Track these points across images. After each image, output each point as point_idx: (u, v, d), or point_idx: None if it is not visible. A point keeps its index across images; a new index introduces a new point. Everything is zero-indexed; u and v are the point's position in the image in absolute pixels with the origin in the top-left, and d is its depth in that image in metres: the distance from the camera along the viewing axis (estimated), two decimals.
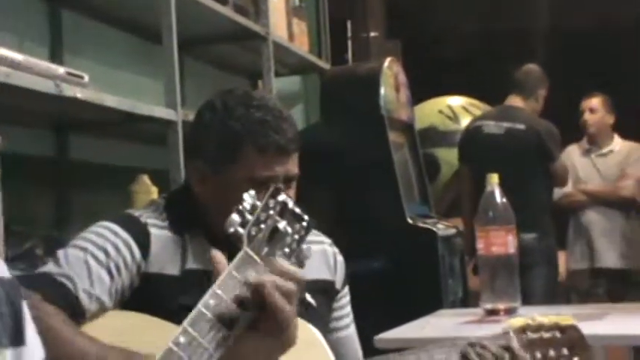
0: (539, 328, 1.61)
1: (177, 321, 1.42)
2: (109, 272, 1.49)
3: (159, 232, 1.56)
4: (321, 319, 1.60)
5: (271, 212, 1.24)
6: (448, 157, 5.10)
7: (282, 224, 1.23)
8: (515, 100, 4.36)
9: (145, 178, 2.81)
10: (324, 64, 4.47)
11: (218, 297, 1.21)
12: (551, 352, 1.60)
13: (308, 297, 1.59)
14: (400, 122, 3.84)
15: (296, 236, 1.25)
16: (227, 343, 1.19)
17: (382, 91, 3.61)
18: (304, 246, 1.27)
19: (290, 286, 1.23)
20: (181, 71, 3.14)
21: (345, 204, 3.58)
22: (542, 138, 4.19)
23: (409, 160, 3.90)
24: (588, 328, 1.86)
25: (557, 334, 1.61)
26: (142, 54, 3.23)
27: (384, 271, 3.42)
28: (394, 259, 3.43)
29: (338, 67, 4.54)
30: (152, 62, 3.13)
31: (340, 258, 1.76)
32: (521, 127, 4.23)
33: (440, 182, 5.23)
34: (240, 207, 1.23)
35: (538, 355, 1.58)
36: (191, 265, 1.55)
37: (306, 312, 1.52)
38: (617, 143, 4.90)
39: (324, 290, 1.70)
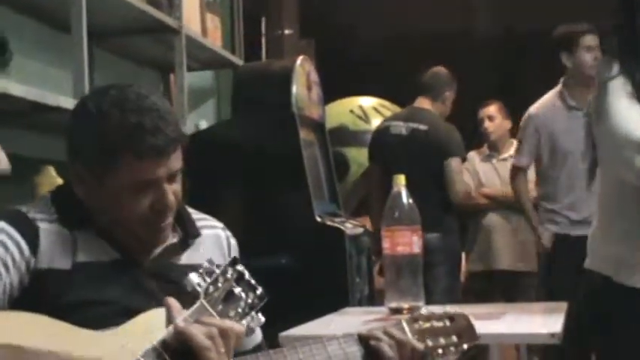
0: (429, 317, 1.66)
1: (70, 317, 1.41)
2: None
3: (48, 227, 1.53)
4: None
5: (228, 277, 1.38)
6: (358, 156, 5.17)
7: (237, 290, 1.38)
8: (422, 102, 4.46)
9: (50, 170, 2.76)
10: (238, 60, 4.46)
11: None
12: (442, 340, 1.65)
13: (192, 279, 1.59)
14: (311, 120, 3.86)
15: (249, 301, 1.39)
16: None
17: (294, 89, 3.63)
18: (254, 314, 1.41)
19: (214, 331, 1.34)
20: (91, 62, 3.09)
21: (255, 201, 3.58)
22: (442, 139, 4.29)
23: (319, 158, 3.93)
24: (486, 327, 1.93)
25: (447, 323, 1.67)
26: (51, 43, 3.16)
27: (292, 268, 3.43)
28: (302, 257, 3.45)
29: (251, 63, 4.54)
30: (61, 52, 3.07)
31: (233, 241, 1.76)
32: (424, 128, 4.33)
33: (349, 181, 5.28)
34: (200, 270, 1.38)
35: (430, 342, 1.64)
36: (82, 258, 1.53)
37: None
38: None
39: None
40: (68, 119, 1.61)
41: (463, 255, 4.82)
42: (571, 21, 4.17)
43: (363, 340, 1.58)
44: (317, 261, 3.45)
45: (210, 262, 1.42)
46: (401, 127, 4.40)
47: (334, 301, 3.25)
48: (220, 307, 1.37)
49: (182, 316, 1.35)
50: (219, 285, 1.37)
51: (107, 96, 1.53)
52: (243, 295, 1.38)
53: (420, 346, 1.61)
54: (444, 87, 4.48)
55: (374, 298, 3.77)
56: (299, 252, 3.45)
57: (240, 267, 1.39)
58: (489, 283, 4.93)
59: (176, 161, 1.55)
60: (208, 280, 1.37)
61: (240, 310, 1.38)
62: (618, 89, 2.05)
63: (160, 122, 1.51)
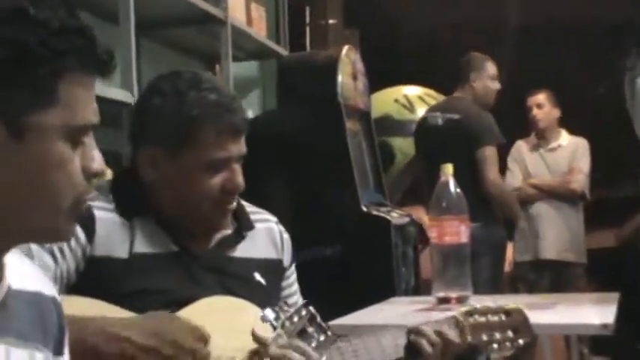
0: (485, 312, 1.64)
1: (124, 305, 1.43)
2: (53, 256, 1.48)
3: (105, 215, 1.55)
4: (271, 298, 1.62)
5: (302, 315, 1.45)
6: (403, 145, 5.14)
7: (310, 329, 1.45)
8: (458, 91, 4.43)
9: None
10: (282, 50, 4.46)
11: None
12: (497, 335, 1.63)
13: (257, 276, 1.62)
14: (356, 110, 3.85)
15: (321, 340, 1.45)
16: None
17: (339, 78, 3.62)
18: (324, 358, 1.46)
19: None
20: (138, 53, 3.11)
21: (300, 191, 3.58)
22: (473, 127, 4.22)
23: (365, 148, 3.91)
24: (537, 317, 1.91)
25: (503, 317, 1.65)
26: (99, 34, 3.19)
27: (338, 258, 3.43)
28: (348, 247, 3.44)
29: (296, 53, 4.54)
30: (109, 42, 3.09)
31: (286, 236, 1.77)
32: (457, 117, 4.29)
33: (394, 171, 5.26)
34: (276, 307, 1.46)
35: (484, 337, 1.62)
36: (139, 248, 1.55)
37: (256, 292, 1.54)
38: (565, 138, 4.98)
39: (273, 269, 1.72)
40: (138, 103, 1.67)
41: (510, 245, 4.78)
42: (613, 9, 4.09)
43: (408, 332, 1.58)
44: (363, 251, 3.45)
45: (284, 303, 1.52)
46: (437, 118, 4.38)
47: (380, 291, 3.25)
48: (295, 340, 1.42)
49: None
50: (295, 321, 1.43)
51: (181, 77, 1.58)
52: (315, 334, 1.44)
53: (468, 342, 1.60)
54: (468, 71, 4.42)
55: (420, 289, 3.76)
56: (345, 242, 3.45)
57: (312, 309, 1.45)
58: (537, 273, 4.89)
59: (244, 145, 1.59)
60: (283, 316, 1.43)
61: (313, 346, 1.43)
62: None
63: (233, 103, 1.57)
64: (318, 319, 1.44)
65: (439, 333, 1.57)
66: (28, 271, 1.03)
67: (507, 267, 4.75)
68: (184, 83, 1.57)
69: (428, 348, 1.55)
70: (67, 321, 1.31)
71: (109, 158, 2.76)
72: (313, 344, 1.42)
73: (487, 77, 4.42)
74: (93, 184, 0.98)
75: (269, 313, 1.43)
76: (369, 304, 2.49)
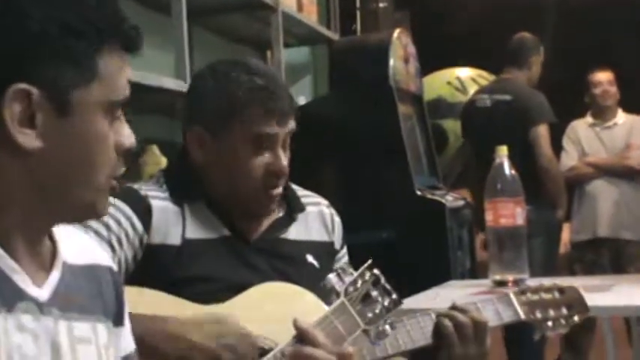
0: (538, 289, 1.63)
1: (179, 292, 1.46)
2: (111, 246, 1.51)
3: (160, 204, 1.58)
4: (323, 280, 1.63)
5: (366, 279, 1.42)
6: (456, 128, 5.10)
7: (374, 293, 1.42)
8: (509, 72, 4.38)
9: (154, 149, 2.83)
10: (333, 35, 4.46)
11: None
12: (551, 312, 1.62)
13: (310, 258, 1.63)
14: (409, 93, 3.83)
15: (385, 304, 1.42)
16: None
17: (391, 62, 3.60)
18: (387, 325, 1.43)
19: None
20: (190, 42, 3.13)
21: (354, 175, 3.58)
22: (526, 107, 4.17)
23: (418, 131, 3.90)
24: (594, 300, 1.89)
25: (557, 295, 1.64)
26: (151, 25, 3.22)
27: (393, 242, 3.42)
28: (403, 231, 3.43)
29: (347, 37, 4.53)
30: (161, 33, 3.13)
31: (337, 219, 1.78)
32: (508, 98, 4.24)
33: (448, 153, 5.23)
34: (338, 270, 1.44)
35: (538, 315, 1.61)
36: (190, 234, 1.57)
37: (309, 274, 1.55)
38: (621, 117, 4.91)
39: (325, 251, 1.73)
40: (190, 86, 1.70)
41: (566, 227, 4.72)
42: None
43: (437, 315, 1.57)
44: (418, 234, 3.44)
45: (346, 263, 1.50)
46: (486, 100, 4.34)
47: (436, 274, 3.24)
48: (359, 307, 1.40)
49: (325, 312, 1.40)
50: (358, 286, 1.41)
51: (233, 63, 1.63)
52: (379, 298, 1.41)
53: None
54: (528, 53, 4.37)
55: (476, 272, 3.74)
56: (400, 226, 3.44)
57: (376, 271, 1.42)
58: (595, 252, 4.82)
59: (290, 129, 1.61)
60: (346, 280, 1.41)
61: (377, 311, 1.41)
62: None
63: (281, 89, 1.60)
64: (382, 280, 1.42)
65: (469, 315, 1.55)
66: (84, 244, 1.05)
67: (563, 248, 4.70)
68: (234, 68, 1.61)
69: (451, 330, 1.53)
70: (132, 318, 1.35)
71: (164, 147, 2.81)
72: (377, 310, 1.41)
73: (541, 61, 4.41)
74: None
75: (332, 277, 1.41)
76: (425, 288, 2.48)
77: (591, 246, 4.81)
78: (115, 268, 1.08)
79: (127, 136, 0.97)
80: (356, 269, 1.81)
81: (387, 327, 1.43)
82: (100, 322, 1.01)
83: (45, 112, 0.90)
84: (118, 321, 1.06)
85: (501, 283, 2.32)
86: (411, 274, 3.24)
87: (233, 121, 1.57)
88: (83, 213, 0.98)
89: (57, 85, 0.90)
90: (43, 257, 0.97)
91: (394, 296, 1.42)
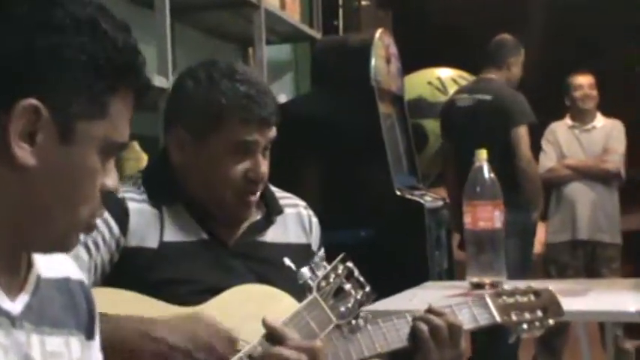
0: (513, 292, 1.65)
1: (157, 294, 1.46)
2: (87, 249, 1.51)
3: (137, 206, 1.58)
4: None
5: (339, 273, 1.40)
6: (436, 128, 5.12)
7: (347, 286, 1.40)
8: (488, 72, 4.41)
9: (135, 145, 2.82)
10: (315, 33, 4.47)
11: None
12: (527, 315, 1.64)
13: (287, 260, 1.64)
14: (390, 93, 3.85)
15: (358, 298, 1.41)
16: None
17: (373, 62, 3.62)
18: (361, 317, 1.42)
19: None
20: (173, 38, 3.13)
21: (334, 175, 3.59)
22: (506, 108, 4.20)
23: (398, 131, 3.92)
24: (570, 304, 1.91)
25: (532, 298, 1.66)
26: (134, 19, 3.21)
27: (372, 241, 3.44)
28: (382, 230, 3.45)
29: (329, 37, 4.54)
30: (144, 28, 3.12)
31: (315, 220, 1.79)
32: (488, 98, 4.26)
33: (428, 153, 5.25)
34: (312, 264, 1.41)
35: (514, 317, 1.63)
36: (169, 237, 1.58)
37: (286, 277, 1.56)
38: (600, 120, 4.95)
39: (302, 253, 1.73)
40: (172, 86, 1.71)
41: (542, 226, 4.76)
42: None
43: (413, 319, 1.58)
44: (396, 234, 3.46)
45: (320, 257, 1.46)
46: (466, 99, 4.37)
47: (414, 274, 3.26)
48: (332, 301, 1.40)
49: (298, 308, 1.40)
50: (331, 280, 1.40)
51: (217, 66, 1.62)
52: (352, 291, 1.41)
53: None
54: (507, 54, 4.40)
55: (453, 272, 3.76)
56: (379, 225, 3.46)
57: (350, 264, 1.42)
58: (570, 254, 4.87)
59: (271, 136, 1.61)
60: (319, 274, 1.40)
61: (350, 305, 1.41)
62: None
63: (264, 96, 1.60)
64: (356, 273, 1.42)
65: (444, 318, 1.57)
66: (55, 258, 1.05)
67: (539, 248, 4.74)
68: (218, 72, 1.61)
69: (426, 333, 1.54)
70: (101, 319, 1.35)
71: (147, 143, 2.80)
72: (350, 303, 1.41)
73: (521, 62, 4.43)
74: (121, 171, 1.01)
75: (305, 272, 1.41)
76: (403, 287, 2.50)
77: (568, 248, 4.85)
78: (87, 281, 1.08)
79: (112, 178, 0.99)
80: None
81: (361, 321, 1.42)
82: (72, 336, 1.01)
83: (48, 134, 0.91)
84: (90, 334, 1.06)
85: (478, 286, 2.34)
86: (389, 273, 3.26)
87: (215, 127, 1.58)
88: (52, 244, 0.98)
89: (67, 112, 0.92)
90: (18, 270, 0.97)
91: (367, 289, 1.42)
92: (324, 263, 1.44)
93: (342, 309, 1.40)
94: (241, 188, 1.60)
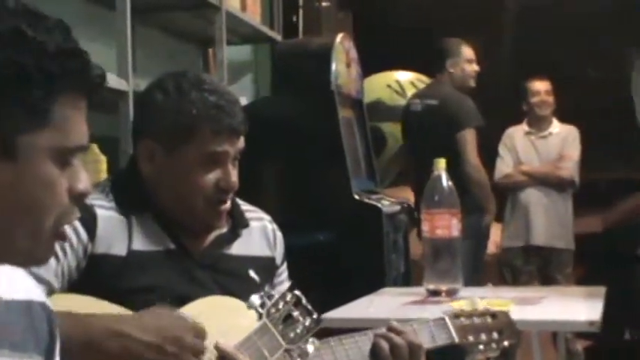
0: (471, 314, 1.69)
1: (123, 302, 1.47)
2: (55, 255, 1.50)
3: (105, 213, 1.58)
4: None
5: (287, 300, 1.45)
6: (394, 131, 5.17)
7: (295, 313, 1.45)
8: (436, 76, 4.48)
9: (94, 148, 2.80)
10: (276, 35, 4.47)
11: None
12: (483, 336, 1.68)
13: (251, 273, 1.66)
14: (350, 98, 3.87)
15: (306, 324, 1.45)
16: None
17: (333, 66, 3.63)
18: (310, 344, 1.48)
19: None
20: (133, 38, 3.12)
21: (293, 178, 3.61)
22: (452, 112, 4.24)
23: (357, 135, 3.94)
24: (524, 313, 1.95)
25: (489, 320, 1.70)
26: (94, 19, 3.19)
27: (330, 245, 3.46)
28: (340, 234, 3.47)
29: (290, 40, 4.55)
30: (104, 28, 3.10)
31: (279, 234, 1.82)
32: (435, 102, 4.32)
33: (386, 156, 5.29)
34: (262, 293, 1.46)
35: (471, 339, 1.67)
36: (137, 246, 1.58)
37: (250, 289, 1.58)
38: (556, 126, 5.02)
39: (266, 266, 1.76)
40: (141, 97, 1.71)
41: (497, 227, 4.83)
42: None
43: (374, 336, 1.61)
44: (354, 238, 3.48)
45: (269, 287, 1.51)
46: (417, 104, 4.43)
47: (371, 278, 3.30)
48: (281, 327, 1.44)
49: (249, 333, 1.43)
50: (280, 307, 1.44)
51: (185, 77, 1.63)
52: (301, 318, 1.45)
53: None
54: (444, 57, 4.44)
55: (410, 275, 3.80)
56: (337, 229, 3.48)
57: (297, 292, 1.46)
58: (524, 259, 4.94)
59: (240, 146, 1.63)
60: (269, 302, 1.44)
61: (298, 331, 1.45)
62: None
63: (233, 106, 1.61)
64: (304, 301, 1.46)
65: (405, 336, 1.59)
66: (18, 280, 1.03)
67: (494, 249, 4.81)
68: (187, 83, 1.62)
69: (387, 351, 1.57)
70: (71, 319, 1.34)
71: (106, 145, 2.78)
72: (299, 329, 1.44)
73: (464, 61, 4.44)
74: (80, 202, 0.99)
75: (255, 299, 1.45)
76: (360, 290, 2.52)
77: (522, 253, 4.93)
78: (49, 303, 1.07)
79: (82, 181, 0.96)
80: (296, 271, 1.85)
81: (309, 346, 1.48)
82: (31, 359, 1.00)
83: None
84: (49, 356, 1.05)
85: (435, 293, 2.37)
86: (348, 276, 3.30)
87: (186, 138, 1.59)
88: (21, 259, 0.96)
89: (4, 129, 0.89)
90: None
91: (315, 316, 1.47)
92: (273, 291, 1.50)
93: (292, 334, 1.44)
94: (212, 198, 1.61)
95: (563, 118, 5.06)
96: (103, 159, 2.76)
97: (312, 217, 3.49)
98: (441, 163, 2.39)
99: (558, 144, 4.96)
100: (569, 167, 4.87)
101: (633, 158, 5.22)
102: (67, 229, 1.50)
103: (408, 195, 4.42)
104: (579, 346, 4.84)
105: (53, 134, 0.91)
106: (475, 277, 4.14)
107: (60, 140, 0.92)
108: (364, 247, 3.46)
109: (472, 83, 4.45)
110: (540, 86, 4.98)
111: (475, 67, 4.45)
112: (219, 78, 3.69)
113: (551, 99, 4.98)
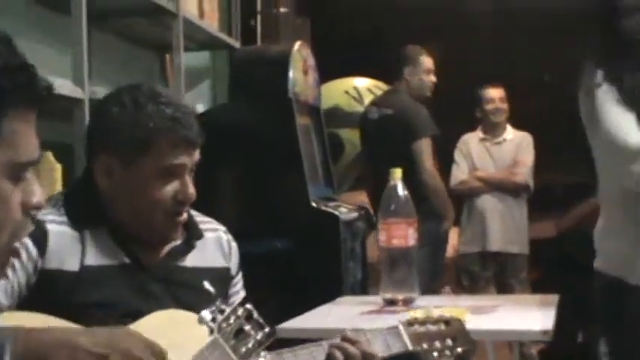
0: (425, 321, 1.71)
1: (77, 318, 1.45)
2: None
3: (57, 228, 1.57)
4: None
5: (239, 315, 1.43)
6: (352, 137, 5.19)
7: (247, 327, 1.43)
8: (393, 84, 4.52)
9: (49, 155, 2.77)
10: (234, 42, 4.47)
11: None
12: (437, 344, 1.70)
13: (206, 284, 1.66)
14: (307, 105, 3.88)
15: (258, 338, 1.44)
16: None
17: (291, 74, 3.64)
18: (262, 358, 1.47)
19: None
20: (89, 44, 3.09)
21: (250, 185, 3.60)
22: (407, 121, 4.28)
23: (315, 142, 3.95)
24: (479, 323, 1.97)
25: (442, 327, 1.72)
26: (49, 25, 3.16)
27: (287, 253, 3.46)
28: (297, 242, 3.47)
29: (248, 47, 4.54)
30: (59, 34, 3.07)
31: (234, 244, 1.82)
32: (390, 112, 4.36)
33: (344, 162, 5.31)
34: (213, 307, 1.43)
35: (425, 346, 1.68)
36: (90, 261, 1.58)
37: (205, 301, 1.58)
38: (510, 132, 5.09)
39: (221, 277, 1.76)
40: (96, 112, 1.70)
41: (455, 231, 4.87)
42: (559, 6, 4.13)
43: (329, 346, 1.61)
44: (312, 246, 3.48)
45: (221, 301, 1.48)
46: (374, 112, 4.47)
47: (328, 285, 3.30)
48: (233, 342, 1.43)
49: (200, 348, 1.41)
50: (231, 322, 1.43)
51: (140, 90, 1.63)
52: (252, 332, 1.44)
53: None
54: (401, 65, 4.47)
55: (367, 281, 3.81)
56: (294, 237, 3.48)
57: (249, 306, 1.45)
58: (481, 265, 4.99)
59: (196, 157, 1.64)
60: (220, 317, 1.43)
61: (250, 346, 1.44)
62: (606, 97, 2.05)
63: (189, 118, 1.62)
64: (255, 315, 1.46)
65: (359, 346, 1.60)
66: None
67: (451, 252, 4.86)
68: (143, 96, 1.62)
69: (340, 358, 1.58)
70: (24, 332, 1.33)
71: (61, 152, 2.76)
72: (250, 344, 1.44)
73: (422, 71, 4.48)
74: (34, 214, 0.98)
75: (206, 314, 1.44)
76: (317, 297, 2.52)
77: (479, 258, 4.98)
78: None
79: (35, 194, 0.95)
80: (253, 279, 1.85)
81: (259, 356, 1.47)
82: None
83: None
84: None
85: (392, 302, 2.38)
86: (305, 283, 3.30)
87: (144, 151, 1.59)
88: None
89: None
90: None
91: (267, 329, 1.46)
92: (224, 306, 1.48)
93: (243, 349, 1.44)
94: (170, 210, 1.62)
95: (518, 124, 5.12)
96: (58, 167, 2.73)
97: (269, 224, 3.49)
98: (397, 173, 2.41)
99: (513, 150, 5.02)
100: (524, 173, 4.94)
101: (588, 164, 5.28)
102: (17, 245, 1.49)
103: (364, 199, 4.44)
104: (534, 350, 4.90)
105: (4, 150, 0.91)
106: (434, 283, 4.18)
107: (11, 156, 0.91)
108: (321, 254, 3.47)
109: (428, 93, 4.49)
110: (494, 93, 5.04)
111: (433, 78, 4.49)
112: (177, 84, 3.68)
113: (505, 106, 5.04)
